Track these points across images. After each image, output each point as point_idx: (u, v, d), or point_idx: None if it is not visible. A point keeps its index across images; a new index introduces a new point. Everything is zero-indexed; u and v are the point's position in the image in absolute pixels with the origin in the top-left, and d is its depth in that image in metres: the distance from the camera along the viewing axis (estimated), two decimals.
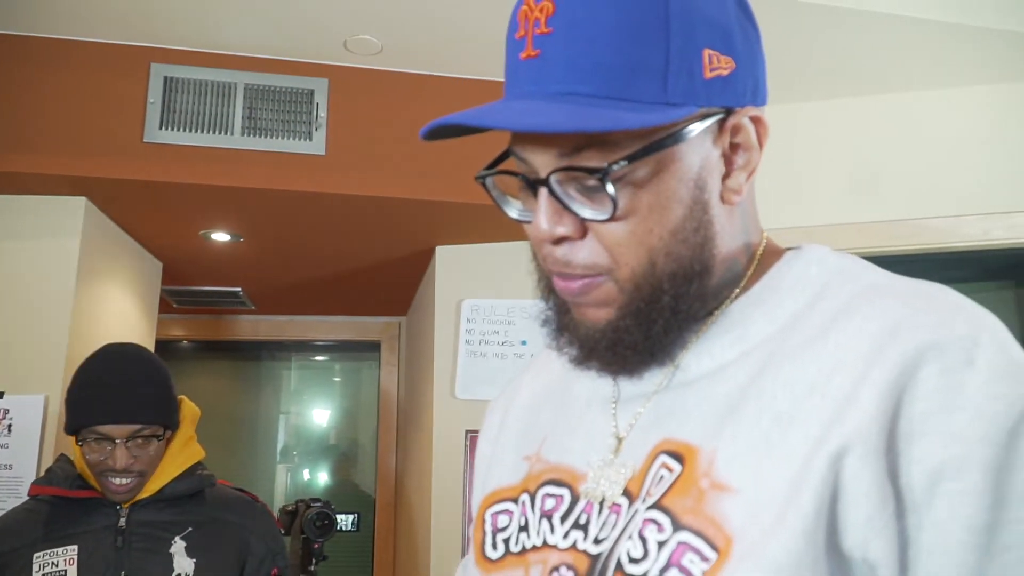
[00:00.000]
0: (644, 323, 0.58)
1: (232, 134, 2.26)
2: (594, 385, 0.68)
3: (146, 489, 1.57)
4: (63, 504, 1.57)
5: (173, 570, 1.52)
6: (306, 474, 4.46)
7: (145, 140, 2.22)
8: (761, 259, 0.64)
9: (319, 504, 2.55)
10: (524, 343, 2.58)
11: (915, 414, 0.49)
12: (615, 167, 0.54)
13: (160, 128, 2.23)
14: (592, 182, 0.55)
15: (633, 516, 0.57)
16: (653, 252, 0.57)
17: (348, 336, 4.06)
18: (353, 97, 2.34)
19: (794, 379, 0.55)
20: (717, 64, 0.56)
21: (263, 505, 1.74)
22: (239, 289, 3.41)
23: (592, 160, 0.54)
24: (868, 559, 0.50)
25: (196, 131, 2.25)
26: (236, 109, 2.27)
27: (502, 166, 0.62)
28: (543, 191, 0.57)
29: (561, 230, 0.57)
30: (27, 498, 1.63)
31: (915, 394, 0.50)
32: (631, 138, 0.54)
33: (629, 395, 0.64)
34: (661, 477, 0.58)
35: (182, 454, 1.63)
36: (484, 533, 0.69)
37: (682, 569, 0.53)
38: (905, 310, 0.54)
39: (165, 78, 2.26)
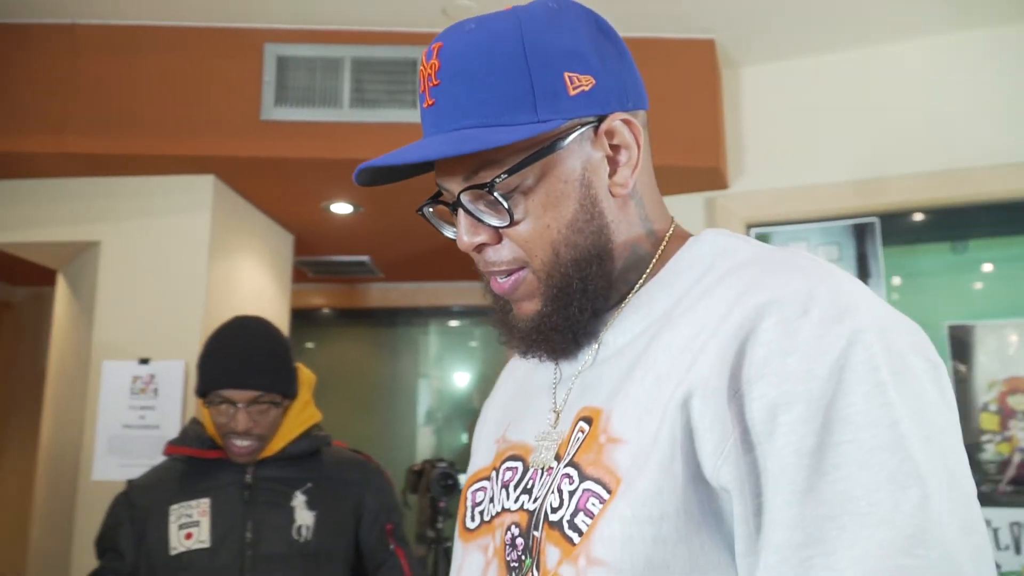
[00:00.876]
0: (562, 307, 0.70)
1: (342, 107, 2.33)
2: (546, 371, 0.79)
3: (269, 449, 1.66)
4: (195, 462, 1.69)
5: (295, 521, 1.62)
6: (444, 436, 4.60)
7: (262, 118, 2.33)
8: (667, 244, 0.74)
9: (444, 464, 2.63)
10: None
11: (755, 360, 0.57)
12: (498, 179, 0.66)
13: (276, 105, 2.33)
14: (492, 196, 0.67)
15: (556, 474, 0.68)
16: (555, 244, 0.69)
17: (475, 301, 4.13)
18: None
19: (672, 343, 0.65)
20: (579, 83, 0.67)
21: (376, 465, 1.81)
22: (367, 258, 3.53)
23: (486, 178, 0.67)
24: (722, 485, 0.57)
25: (309, 106, 2.33)
26: (345, 83, 2.33)
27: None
28: (460, 211, 0.70)
29: (478, 239, 0.70)
30: (164, 457, 1.77)
31: (756, 342, 0.58)
32: (513, 154, 0.67)
33: (566, 375, 0.75)
34: (578, 439, 0.68)
35: (301, 417, 1.72)
36: (465, 508, 0.80)
37: (586, 512, 0.63)
38: (757, 276, 0.63)
39: (278, 57, 2.35)
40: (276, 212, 2.89)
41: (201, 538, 1.60)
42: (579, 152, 0.69)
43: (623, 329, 0.71)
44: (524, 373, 0.86)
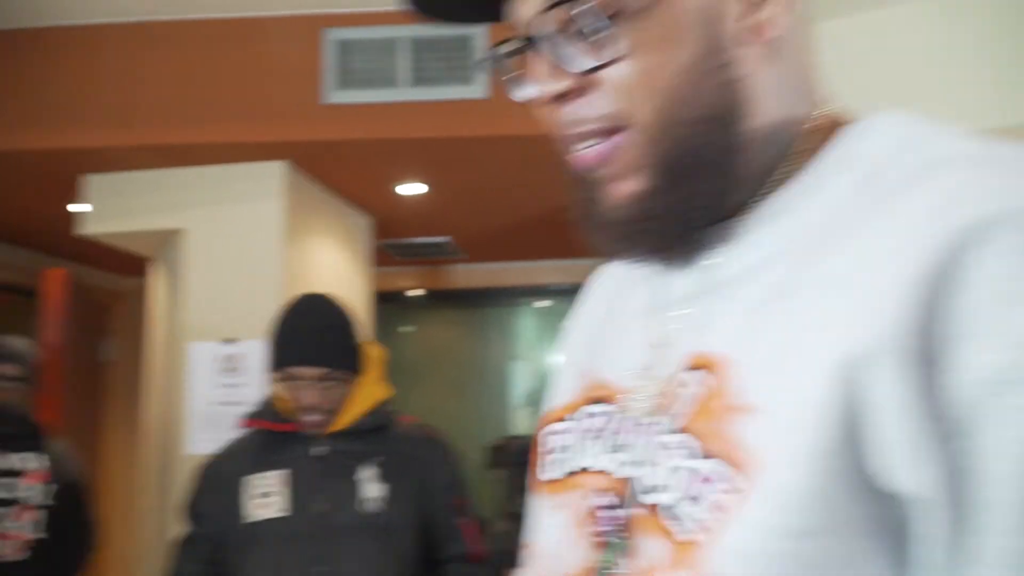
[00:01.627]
0: (678, 182, 0.51)
1: (403, 87, 2.35)
2: (645, 290, 0.60)
3: (340, 422, 1.70)
4: (271, 435, 1.76)
5: (365, 494, 1.65)
6: (536, 417, 4.61)
7: (325, 102, 2.38)
8: (825, 130, 0.53)
9: (525, 439, 2.64)
10: None
11: (963, 309, 0.39)
12: None
13: (337, 89, 2.38)
14: (585, 21, 0.49)
15: (659, 438, 0.52)
16: (671, 91, 0.50)
17: (568, 279, 4.09)
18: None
19: (827, 275, 0.46)
20: None
21: (443, 440, 1.83)
22: (448, 238, 3.56)
23: None
24: (898, 492, 0.41)
25: (369, 88, 2.36)
26: (404, 63, 2.36)
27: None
28: (538, 48, 0.52)
29: (560, 85, 0.51)
30: (243, 430, 1.85)
31: (964, 283, 0.39)
32: None
33: (673, 298, 0.56)
34: (691, 396, 0.51)
35: (370, 391, 1.75)
36: (538, 454, 0.64)
37: (705, 503, 0.47)
38: (968, 180, 0.43)
39: (337, 41, 2.39)
40: (350, 195, 2.96)
41: (276, 508, 1.66)
42: None
43: (753, 242, 0.52)
44: (617, 289, 0.67)
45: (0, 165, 2.64)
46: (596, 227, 0.55)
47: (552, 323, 4.80)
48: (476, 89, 2.33)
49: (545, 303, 4.74)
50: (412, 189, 2.88)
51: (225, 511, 1.70)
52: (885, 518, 0.41)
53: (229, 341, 2.53)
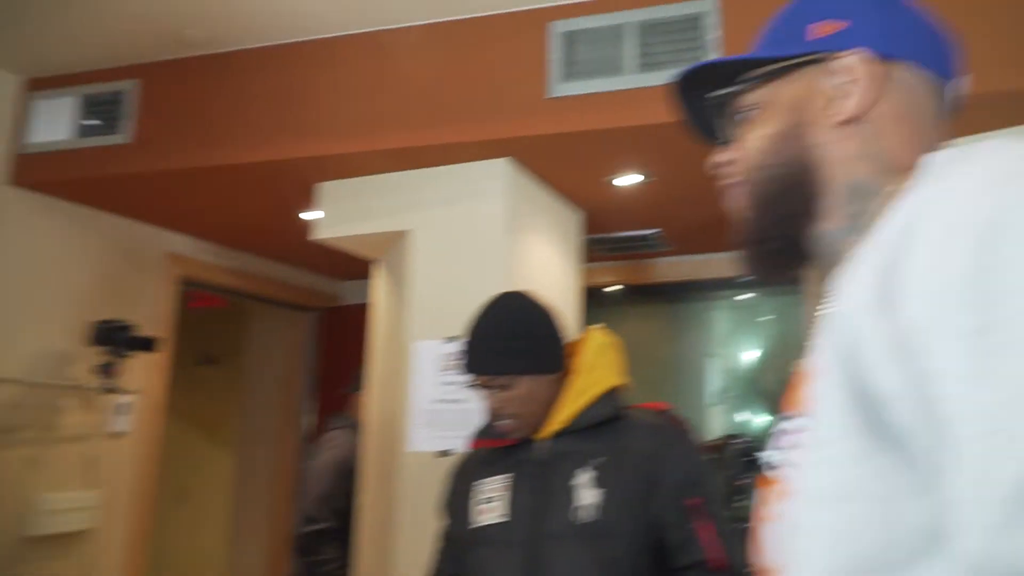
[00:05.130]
0: (762, 213, 0.77)
1: (629, 74, 2.28)
2: None
3: (556, 422, 1.65)
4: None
5: (578, 500, 1.57)
6: (734, 416, 4.42)
7: (551, 95, 2.35)
8: (886, 199, 0.71)
9: (742, 440, 2.50)
10: None
11: (903, 274, 0.54)
12: (727, 89, 0.80)
13: (563, 81, 2.34)
14: (736, 118, 0.81)
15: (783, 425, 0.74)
16: (761, 152, 0.78)
17: None
18: (749, 8, 2.19)
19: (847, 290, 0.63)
20: (823, 29, 0.77)
21: (684, 429, 1.68)
22: (657, 231, 3.47)
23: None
24: (879, 393, 0.54)
25: (595, 77, 2.31)
26: (630, 49, 2.28)
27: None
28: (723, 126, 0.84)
29: (724, 156, 0.82)
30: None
31: (901, 265, 0.55)
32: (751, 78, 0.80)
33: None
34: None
35: (584, 385, 1.67)
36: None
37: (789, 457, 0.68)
38: (915, 198, 0.60)
39: (563, 33, 2.35)
40: (567, 190, 2.92)
41: (497, 513, 1.64)
42: (804, 81, 0.77)
43: (833, 294, 0.67)
44: None
45: (242, 177, 2.81)
46: (738, 247, 0.80)
47: (750, 317, 4.58)
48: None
49: (745, 295, 4.53)
50: (628, 180, 2.80)
51: (461, 513, 1.70)
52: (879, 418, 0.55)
53: (451, 340, 2.56)
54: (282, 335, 4.75)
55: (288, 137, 2.62)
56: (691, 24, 2.25)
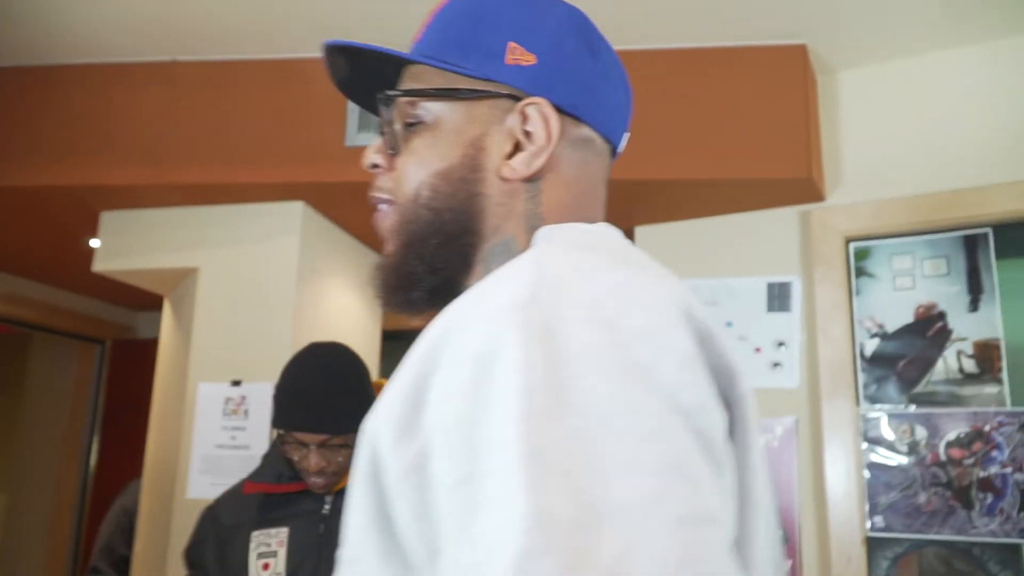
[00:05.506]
0: (410, 256, 0.68)
1: None
2: None
3: (346, 480, 1.64)
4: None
5: None
6: None
7: (349, 144, 2.37)
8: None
9: None
10: (730, 324, 2.42)
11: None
12: (393, 93, 0.70)
13: (360, 131, 2.37)
14: (399, 125, 0.70)
15: None
16: (420, 184, 0.68)
17: None
18: None
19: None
20: (519, 55, 0.68)
21: None
22: None
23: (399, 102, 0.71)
24: (396, 522, 0.50)
25: None
26: None
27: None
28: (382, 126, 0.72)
29: (373, 159, 0.72)
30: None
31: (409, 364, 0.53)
32: (429, 86, 0.69)
33: None
34: None
35: None
36: None
37: None
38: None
39: None
40: (363, 235, 2.93)
41: (277, 569, 1.61)
42: (487, 117, 0.68)
43: None
44: None
45: (20, 200, 2.63)
46: (371, 276, 0.72)
47: None
48: None
49: None
50: None
51: (227, 565, 1.65)
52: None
53: (236, 383, 2.50)
54: (66, 367, 4.42)
55: (71, 162, 2.48)
56: None
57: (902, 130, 2.32)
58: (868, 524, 2.17)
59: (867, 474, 2.19)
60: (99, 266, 2.67)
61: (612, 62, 0.74)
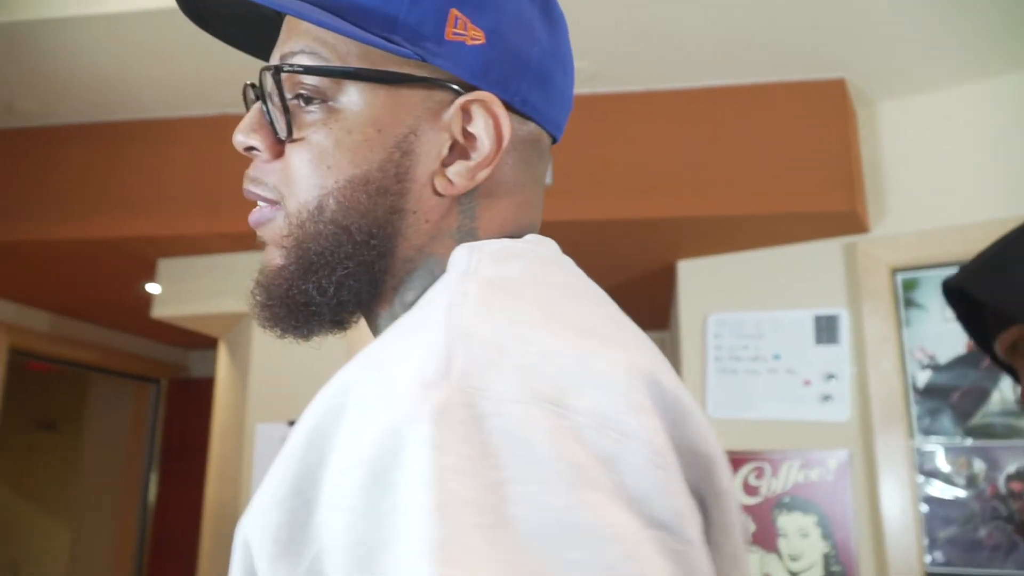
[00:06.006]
0: (306, 276, 0.53)
1: None
2: None
3: None
4: None
5: None
6: None
7: None
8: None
9: None
10: (777, 357, 2.42)
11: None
12: (294, 66, 0.52)
13: None
14: (287, 97, 0.53)
15: None
16: (324, 192, 0.52)
17: None
18: (572, 125, 2.35)
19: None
20: (463, 31, 0.52)
21: None
22: None
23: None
24: None
25: None
26: None
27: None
28: (258, 101, 0.55)
29: (250, 140, 0.55)
30: None
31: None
32: (343, 58, 0.52)
33: None
34: None
35: None
36: None
37: None
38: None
39: None
40: None
41: None
42: (417, 110, 0.53)
43: None
44: None
45: (75, 251, 2.74)
46: (252, 289, 0.57)
47: None
48: None
49: None
50: None
51: None
52: None
53: (292, 423, 2.56)
54: (124, 404, 4.55)
55: (124, 214, 2.57)
56: None
57: (944, 160, 2.31)
58: (928, 559, 2.14)
59: (924, 508, 2.17)
60: (157, 312, 2.77)
61: (564, 28, 0.60)
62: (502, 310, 0.42)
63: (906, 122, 2.38)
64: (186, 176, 2.59)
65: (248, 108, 0.58)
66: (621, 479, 0.35)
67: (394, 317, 0.55)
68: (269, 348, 2.62)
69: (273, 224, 0.55)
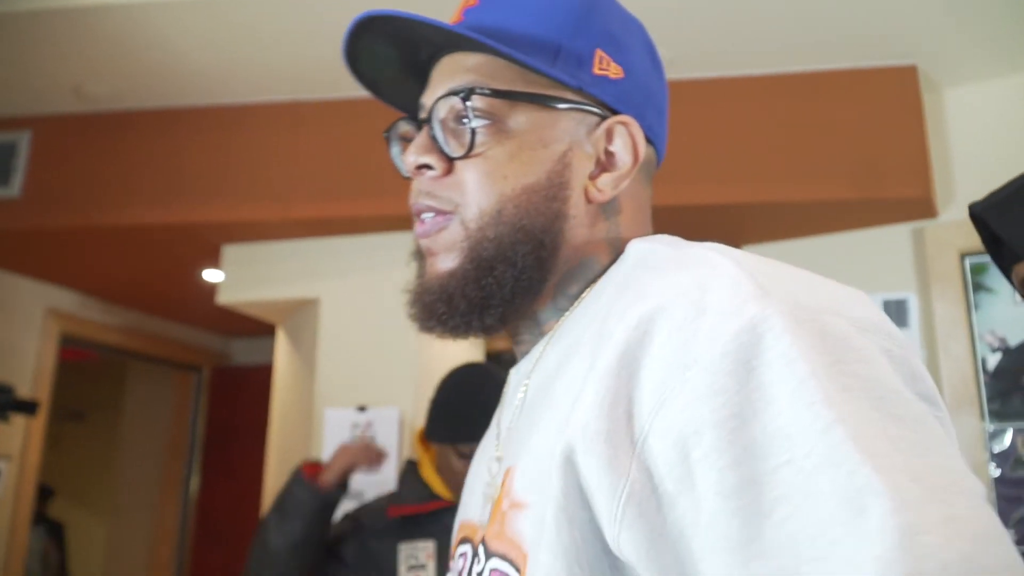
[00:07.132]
0: (483, 275, 0.60)
1: None
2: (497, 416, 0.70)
3: None
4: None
5: None
6: None
7: None
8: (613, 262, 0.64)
9: None
10: None
11: (650, 388, 0.45)
12: (481, 91, 0.60)
13: None
14: (466, 120, 0.60)
15: (472, 555, 0.61)
16: (503, 198, 0.60)
17: None
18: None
19: (569, 382, 0.54)
20: (607, 66, 0.62)
21: None
22: None
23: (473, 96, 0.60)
24: (626, 557, 0.45)
25: None
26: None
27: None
28: (423, 127, 0.63)
29: (424, 159, 0.62)
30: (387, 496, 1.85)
31: (646, 366, 0.46)
32: (511, 85, 0.61)
33: (503, 424, 0.66)
34: (489, 509, 0.60)
35: None
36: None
37: None
38: (644, 284, 0.52)
39: None
40: None
41: None
42: (574, 130, 0.62)
43: (545, 366, 0.61)
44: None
45: (139, 237, 2.76)
46: (413, 293, 0.64)
47: None
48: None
49: None
50: None
51: (371, 566, 1.70)
52: None
53: (361, 408, 2.58)
54: (164, 393, 4.56)
55: (190, 200, 2.59)
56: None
57: (1012, 144, 2.34)
58: None
59: (996, 490, 2.20)
60: (223, 298, 2.79)
61: (663, 74, 0.70)
62: (752, 257, 0.51)
63: (974, 107, 2.41)
64: (253, 162, 2.61)
65: (391, 140, 0.69)
66: (901, 366, 0.45)
67: (558, 309, 0.63)
68: (337, 335, 2.65)
69: (446, 232, 0.61)
